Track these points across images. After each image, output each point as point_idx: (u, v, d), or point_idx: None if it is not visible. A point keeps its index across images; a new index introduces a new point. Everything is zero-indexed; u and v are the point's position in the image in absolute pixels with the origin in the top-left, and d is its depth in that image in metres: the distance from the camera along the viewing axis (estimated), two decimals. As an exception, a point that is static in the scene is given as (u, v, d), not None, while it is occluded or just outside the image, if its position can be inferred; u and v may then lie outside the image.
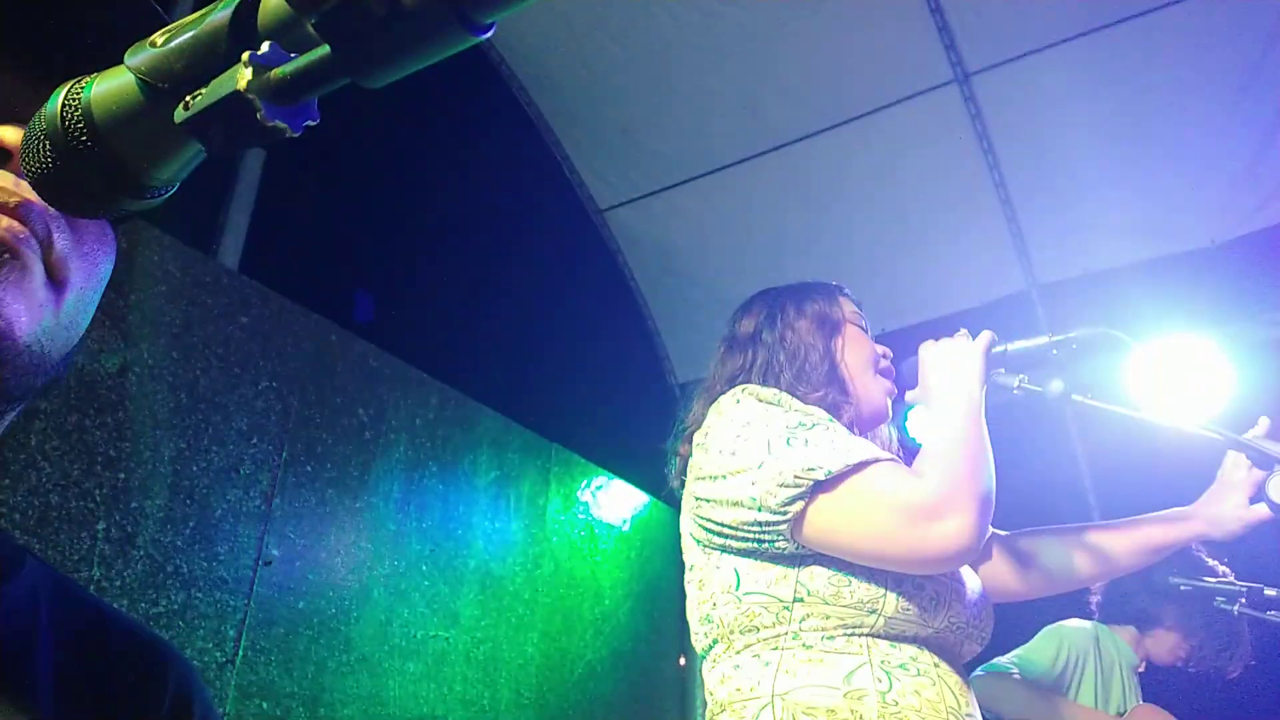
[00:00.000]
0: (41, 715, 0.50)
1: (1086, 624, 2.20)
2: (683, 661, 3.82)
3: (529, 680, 2.93)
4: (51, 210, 0.48)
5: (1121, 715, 2.08)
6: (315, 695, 2.20)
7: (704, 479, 1.20)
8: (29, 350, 0.47)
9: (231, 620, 2.05)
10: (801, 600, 1.12)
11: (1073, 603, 2.31)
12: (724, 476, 1.16)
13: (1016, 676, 2.04)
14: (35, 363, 0.48)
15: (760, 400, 1.21)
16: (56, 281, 0.50)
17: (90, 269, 0.52)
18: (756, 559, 1.15)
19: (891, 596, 1.11)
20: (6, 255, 0.46)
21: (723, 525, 1.16)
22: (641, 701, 3.49)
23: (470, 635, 2.73)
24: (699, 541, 1.23)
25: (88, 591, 0.62)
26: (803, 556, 1.13)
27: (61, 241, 0.50)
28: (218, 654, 2.00)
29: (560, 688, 3.07)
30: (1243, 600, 1.90)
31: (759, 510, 1.11)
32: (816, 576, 1.12)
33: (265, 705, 2.08)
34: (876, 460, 1.12)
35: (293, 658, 2.17)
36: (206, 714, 0.61)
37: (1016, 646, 2.16)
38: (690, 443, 1.32)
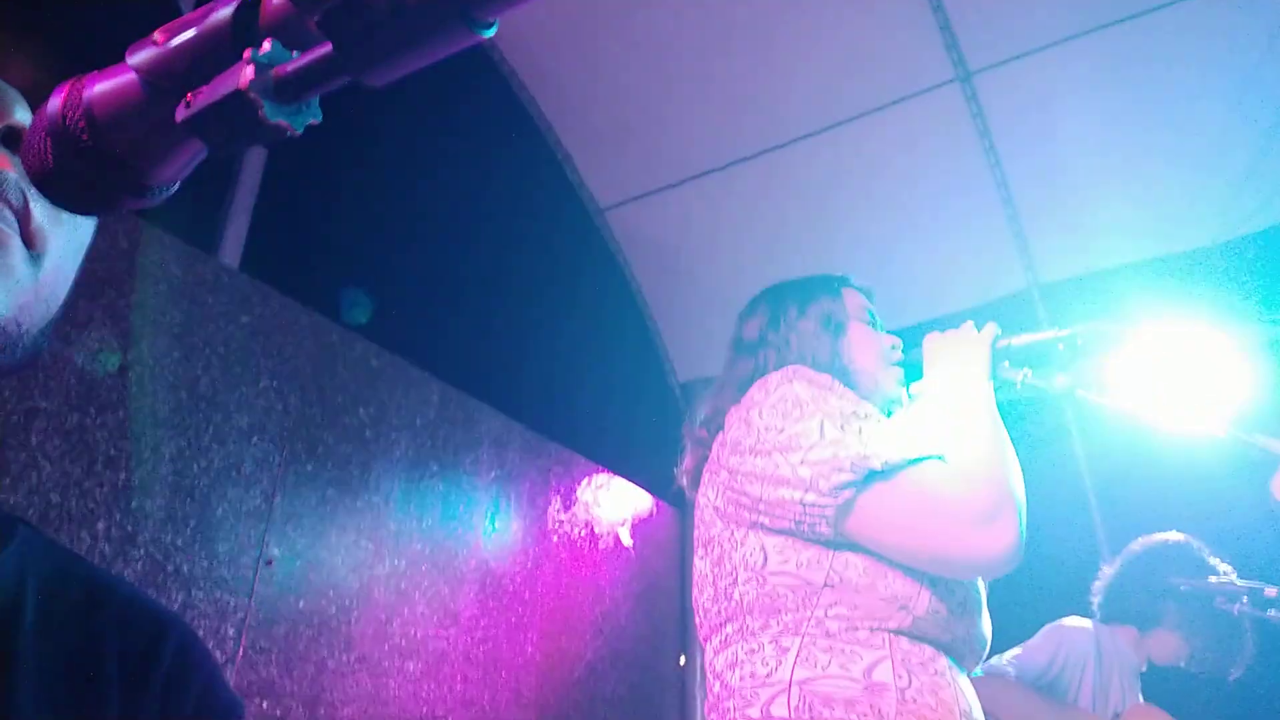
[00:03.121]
0: (24, 688, 0.49)
1: (1087, 624, 2.20)
2: (683, 661, 3.82)
3: (529, 680, 2.93)
4: (26, 178, 0.47)
5: (1120, 715, 2.08)
6: (315, 694, 2.20)
7: (745, 452, 1.17)
8: (3, 330, 0.46)
9: (232, 619, 2.05)
10: (832, 586, 1.10)
11: (1073, 603, 2.31)
12: (769, 453, 1.14)
13: (1013, 677, 2.03)
14: (11, 340, 0.47)
15: (811, 383, 1.20)
16: (34, 252, 0.48)
17: (69, 237, 0.51)
18: (790, 538, 1.13)
19: (926, 595, 1.10)
20: None
21: (760, 501, 1.14)
22: (641, 701, 3.49)
23: (470, 635, 2.73)
24: (725, 516, 1.20)
25: (86, 561, 0.61)
26: (840, 542, 1.11)
27: (40, 211, 0.48)
28: (218, 653, 2.00)
29: (560, 687, 3.07)
30: (1244, 600, 1.90)
31: (806, 492, 1.09)
32: (851, 564, 1.10)
33: (265, 704, 2.08)
34: (930, 457, 1.11)
35: (293, 657, 2.17)
36: (209, 684, 0.60)
37: (1014, 645, 2.15)
38: (714, 422, 1.31)
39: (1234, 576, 2.05)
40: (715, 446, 1.28)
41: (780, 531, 1.14)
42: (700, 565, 1.25)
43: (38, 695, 0.50)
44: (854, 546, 1.11)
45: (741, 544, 1.16)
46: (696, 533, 1.28)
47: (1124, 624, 2.19)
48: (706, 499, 1.26)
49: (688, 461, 1.38)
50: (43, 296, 0.49)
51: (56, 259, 0.50)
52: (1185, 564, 2.10)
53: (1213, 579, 2.03)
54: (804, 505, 1.10)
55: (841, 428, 1.12)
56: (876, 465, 1.08)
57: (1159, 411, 1.37)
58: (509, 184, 3.64)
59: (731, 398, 1.30)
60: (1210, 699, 2.31)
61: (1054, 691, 2.06)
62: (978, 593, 1.19)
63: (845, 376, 1.30)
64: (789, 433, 1.13)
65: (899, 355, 1.38)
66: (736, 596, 1.15)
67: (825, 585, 1.10)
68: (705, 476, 1.29)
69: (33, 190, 0.48)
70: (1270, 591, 1.87)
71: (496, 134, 3.63)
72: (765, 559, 1.13)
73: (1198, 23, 2.93)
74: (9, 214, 0.46)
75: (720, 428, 1.29)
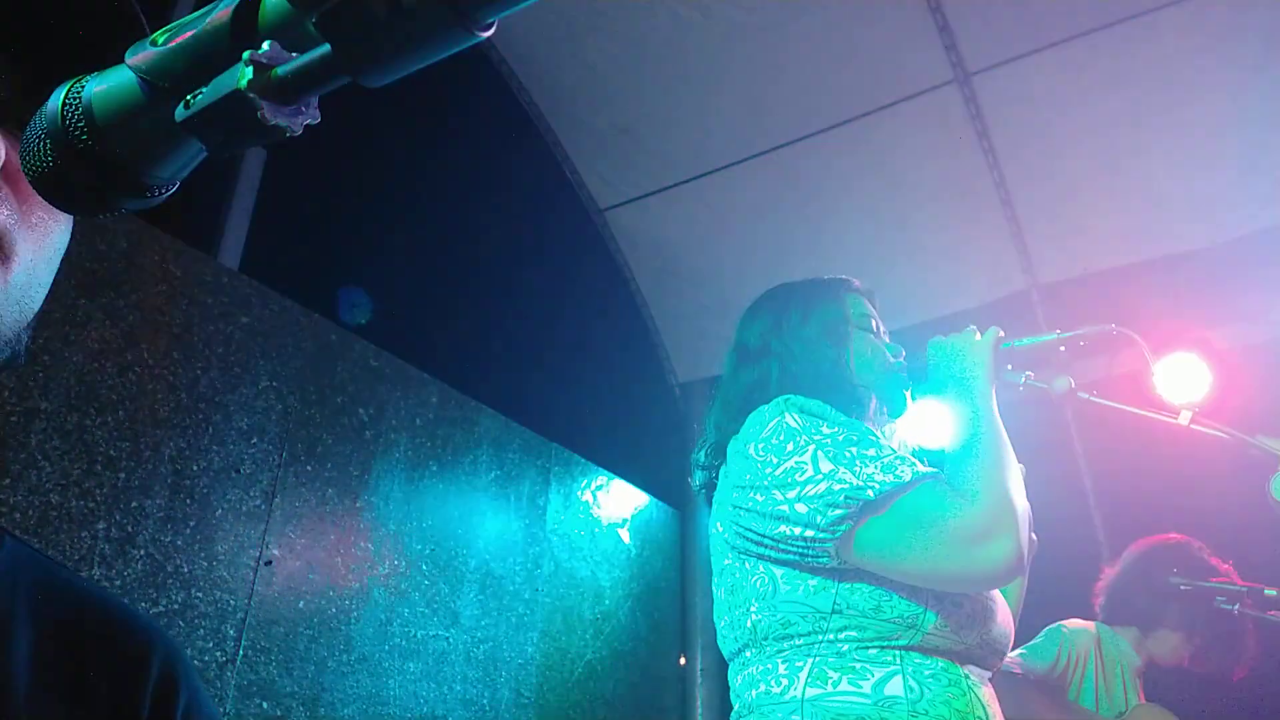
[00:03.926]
0: (15, 697, 0.49)
1: (1089, 624, 2.20)
2: (683, 661, 3.82)
3: (529, 680, 2.93)
4: None
5: (1123, 715, 2.08)
6: (315, 695, 2.20)
7: (745, 489, 1.20)
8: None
9: (232, 620, 2.05)
10: (840, 612, 1.12)
11: (1074, 603, 2.31)
12: (768, 490, 1.16)
13: (1019, 675, 2.04)
14: None
15: (804, 411, 1.20)
16: (1, 255, 0.48)
17: (40, 240, 0.50)
18: (796, 569, 1.15)
19: (931, 613, 1.11)
20: None
21: (764, 536, 1.16)
22: (641, 701, 3.49)
23: (470, 635, 2.73)
24: (734, 548, 1.23)
25: (74, 573, 0.61)
26: (844, 570, 1.13)
27: (4, 214, 0.48)
28: (218, 653, 2.00)
29: (560, 687, 3.07)
30: (1245, 600, 1.90)
31: (805, 528, 1.11)
32: (857, 590, 1.13)
33: (265, 705, 2.08)
34: (923, 479, 1.12)
35: (293, 657, 2.17)
36: (193, 696, 0.60)
37: (1018, 645, 2.15)
38: (718, 453, 1.32)
39: (1234, 577, 2.05)
40: (721, 476, 1.30)
41: (786, 563, 1.16)
42: (717, 593, 1.28)
43: (31, 706, 0.50)
44: (859, 573, 1.13)
45: (752, 574, 1.19)
46: (712, 559, 1.31)
47: (1126, 624, 2.19)
48: (716, 530, 1.29)
49: (697, 483, 1.40)
50: (13, 299, 0.49)
51: (26, 262, 0.49)
52: (1186, 564, 2.10)
53: (1213, 579, 2.03)
54: (805, 540, 1.12)
55: (834, 458, 1.13)
56: (870, 496, 1.09)
57: (1159, 412, 1.37)
58: (508, 185, 3.64)
59: (731, 426, 1.30)
60: (1212, 699, 2.31)
61: (1057, 693, 2.06)
62: (989, 599, 1.19)
63: (848, 385, 1.30)
64: (784, 467, 1.15)
65: (902, 362, 1.38)
66: (750, 625, 1.18)
67: (833, 611, 1.12)
68: (714, 507, 1.31)
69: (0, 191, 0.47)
70: (1269, 592, 1.87)
71: (496, 135, 3.64)
72: (775, 589, 1.16)
73: (1195, 24, 2.93)
74: None
75: (723, 459, 1.30)
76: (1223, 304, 3.15)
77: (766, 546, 1.16)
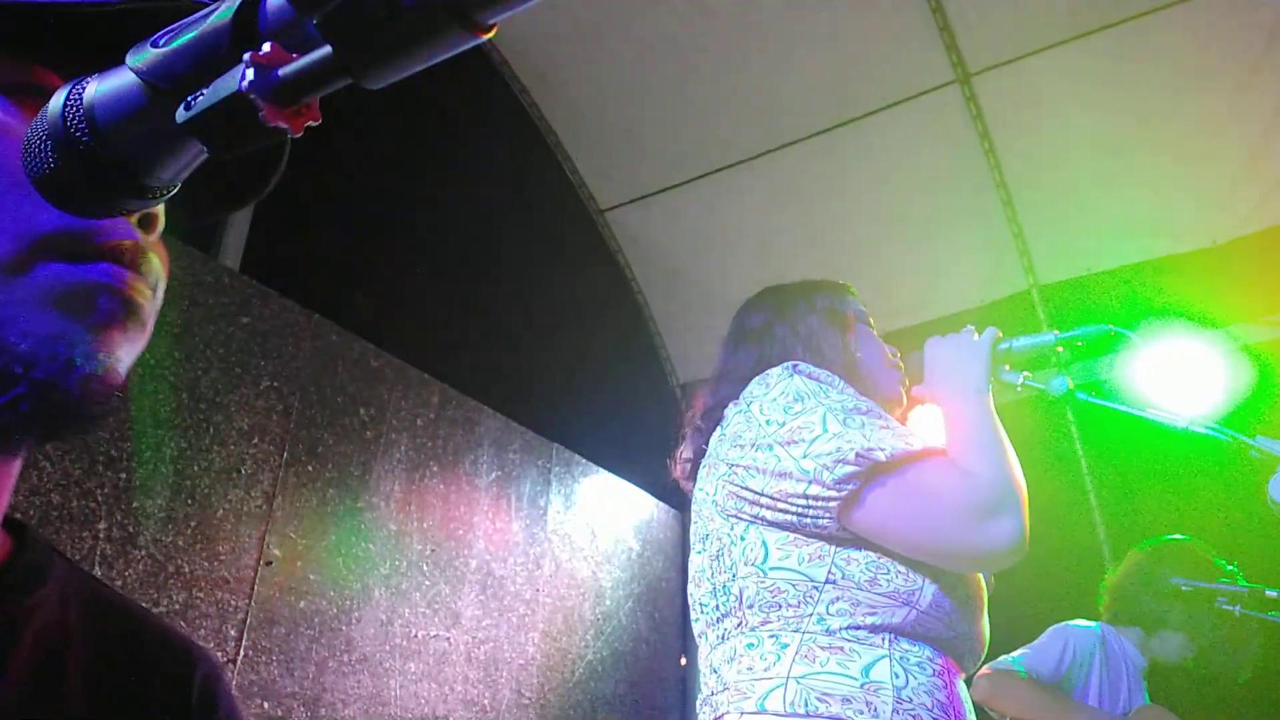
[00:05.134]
0: (72, 716, 0.51)
1: (1093, 624, 2.20)
2: (684, 661, 3.82)
3: (530, 680, 2.93)
4: (160, 268, 0.51)
5: (1127, 715, 2.08)
6: (316, 695, 2.20)
7: (745, 446, 1.16)
8: (119, 391, 0.50)
9: (232, 620, 2.05)
10: (834, 583, 1.08)
11: (1076, 603, 2.31)
12: (771, 446, 1.13)
13: (1023, 674, 2.04)
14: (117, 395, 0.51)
15: (813, 378, 1.19)
16: (141, 326, 0.52)
17: (158, 310, 0.55)
18: (791, 533, 1.12)
19: (929, 590, 1.09)
20: (134, 316, 0.48)
21: (761, 495, 1.12)
22: (642, 702, 3.49)
23: (471, 635, 2.73)
24: (724, 511, 1.19)
25: (115, 590, 0.62)
26: (842, 537, 1.10)
27: (155, 300, 0.52)
28: (219, 654, 2.00)
29: (561, 688, 3.07)
30: (1248, 601, 1.90)
31: (810, 484, 1.08)
32: (854, 560, 1.09)
33: (266, 705, 2.08)
34: (934, 451, 1.11)
35: (294, 657, 2.17)
36: (231, 708, 0.63)
37: (1019, 646, 2.16)
38: (706, 422, 1.30)
39: (1237, 578, 2.06)
40: (714, 441, 1.27)
41: (782, 526, 1.12)
42: (698, 560, 1.23)
43: None
44: (857, 541, 1.10)
45: (742, 539, 1.15)
46: (694, 527, 1.27)
47: (1130, 625, 2.19)
48: (705, 493, 1.25)
49: (686, 453, 1.38)
50: (137, 356, 0.54)
51: (151, 326, 0.54)
52: (1189, 565, 2.11)
53: (1216, 580, 2.04)
54: (807, 498, 1.08)
55: (844, 421, 1.10)
56: (881, 457, 1.07)
57: (1159, 413, 1.37)
58: (509, 185, 3.65)
59: (730, 392, 1.29)
60: (1216, 700, 2.31)
61: (1060, 692, 2.06)
62: (981, 590, 1.19)
63: (848, 373, 1.30)
64: (790, 426, 1.12)
65: (899, 359, 1.39)
66: (735, 592, 1.13)
67: (827, 581, 1.09)
68: (703, 471, 1.27)
69: (161, 278, 0.52)
70: (1273, 592, 1.87)
71: (497, 134, 3.64)
72: (766, 554, 1.12)
73: (1195, 24, 2.93)
74: (153, 296, 0.50)
75: (719, 421, 1.28)
76: (1223, 304, 3.15)
77: (763, 506, 1.13)
